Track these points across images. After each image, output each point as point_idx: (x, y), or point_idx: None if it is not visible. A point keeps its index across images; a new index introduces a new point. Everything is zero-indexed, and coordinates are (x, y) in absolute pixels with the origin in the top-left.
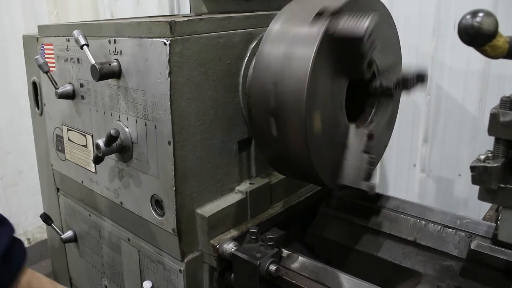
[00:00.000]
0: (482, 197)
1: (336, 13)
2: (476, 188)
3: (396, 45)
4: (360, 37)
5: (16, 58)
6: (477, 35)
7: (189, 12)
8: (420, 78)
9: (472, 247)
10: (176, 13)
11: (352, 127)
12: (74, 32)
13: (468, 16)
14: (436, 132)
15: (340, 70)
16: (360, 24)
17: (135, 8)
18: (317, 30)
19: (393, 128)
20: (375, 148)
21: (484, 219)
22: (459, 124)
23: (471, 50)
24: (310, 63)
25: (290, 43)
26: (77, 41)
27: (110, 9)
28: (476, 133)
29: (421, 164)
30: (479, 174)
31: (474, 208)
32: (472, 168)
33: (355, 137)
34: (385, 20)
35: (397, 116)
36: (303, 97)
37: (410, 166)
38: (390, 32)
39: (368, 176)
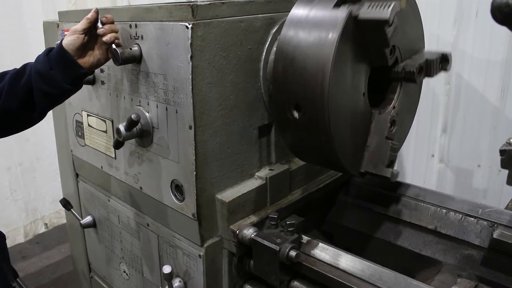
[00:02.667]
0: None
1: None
2: (496, 179)
3: (419, 30)
4: (385, 20)
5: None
6: None
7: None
8: (444, 59)
9: (494, 236)
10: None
11: (375, 113)
12: None
13: None
14: (456, 122)
15: (363, 55)
16: (384, 9)
17: None
18: (340, 15)
19: (414, 115)
20: (397, 134)
21: (506, 208)
22: (479, 114)
23: (493, 39)
24: (334, 48)
25: (312, 28)
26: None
27: None
28: (497, 123)
29: (439, 154)
30: (509, 157)
31: (493, 200)
32: (502, 152)
33: (378, 123)
34: (410, 5)
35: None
36: (326, 81)
37: (428, 156)
38: (414, 17)
39: (391, 162)
